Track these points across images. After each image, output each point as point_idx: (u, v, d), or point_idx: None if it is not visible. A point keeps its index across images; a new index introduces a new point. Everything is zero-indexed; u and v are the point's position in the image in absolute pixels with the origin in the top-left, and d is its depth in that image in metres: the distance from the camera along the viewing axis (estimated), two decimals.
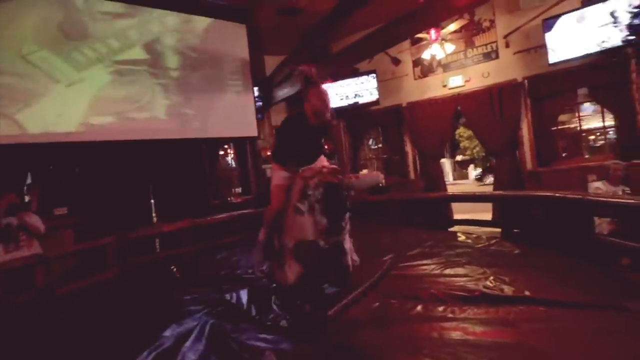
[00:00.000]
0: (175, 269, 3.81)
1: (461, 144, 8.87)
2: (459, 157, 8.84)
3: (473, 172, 7.53)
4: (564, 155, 5.26)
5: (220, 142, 6.62)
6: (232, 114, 5.77)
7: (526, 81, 5.31)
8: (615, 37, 4.31)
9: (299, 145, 2.48)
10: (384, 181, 2.35)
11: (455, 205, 5.41)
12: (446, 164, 7.88)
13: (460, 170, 9.45)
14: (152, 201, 5.26)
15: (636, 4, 4.16)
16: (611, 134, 5.18)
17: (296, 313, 2.34)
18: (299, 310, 2.36)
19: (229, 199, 6.21)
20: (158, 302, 2.83)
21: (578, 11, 4.54)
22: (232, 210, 5.50)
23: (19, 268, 3.01)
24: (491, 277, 2.51)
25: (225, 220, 4.91)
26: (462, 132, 7.51)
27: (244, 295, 2.66)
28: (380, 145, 7.39)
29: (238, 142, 6.48)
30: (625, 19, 4.25)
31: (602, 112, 5.07)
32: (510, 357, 1.64)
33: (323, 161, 2.59)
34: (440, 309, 2.20)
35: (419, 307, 2.26)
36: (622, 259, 2.67)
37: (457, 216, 5.03)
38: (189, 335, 2.10)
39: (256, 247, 2.73)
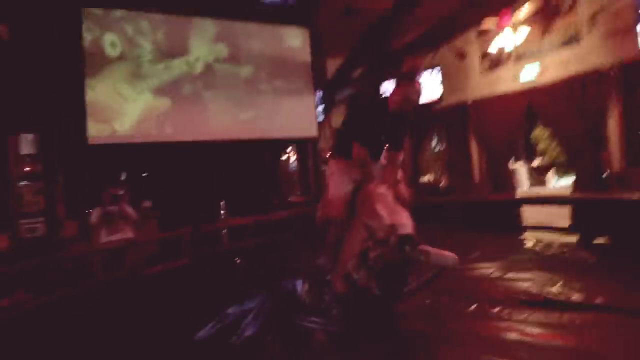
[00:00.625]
0: (239, 260, 4.16)
1: (539, 146, 8.02)
2: (535, 162, 8.05)
3: (553, 179, 6.76)
4: None
5: (282, 144, 6.96)
6: (294, 115, 6.05)
7: (616, 69, 4.67)
8: None
9: (376, 130, 2.37)
10: (457, 265, 2.17)
11: (527, 213, 4.95)
12: (520, 170, 7.21)
13: (538, 177, 8.53)
14: (222, 199, 5.74)
15: None
16: None
17: (346, 305, 2.40)
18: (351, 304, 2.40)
19: (289, 199, 6.50)
20: (224, 285, 3.13)
21: None
22: (292, 208, 5.78)
23: (116, 248, 3.56)
24: (559, 284, 2.32)
25: (284, 218, 5.19)
26: (539, 133, 6.82)
27: (299, 284, 2.82)
28: (443, 146, 7.10)
29: (299, 144, 6.74)
30: None
31: None
32: (564, 357, 1.53)
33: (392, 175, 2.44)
34: (496, 309, 2.11)
35: (472, 307, 2.19)
36: None
37: (529, 219, 4.63)
38: (248, 313, 2.31)
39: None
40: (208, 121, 5.43)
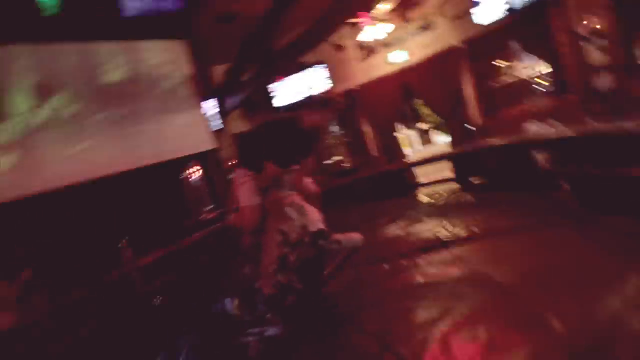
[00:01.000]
0: (159, 299, 3.81)
1: (422, 113, 9.27)
2: (422, 126, 9.22)
3: (437, 136, 7.91)
4: (510, 104, 5.56)
5: (180, 162, 6.55)
6: (185, 131, 5.73)
7: (464, 45, 5.59)
8: None
9: (288, 146, 2.44)
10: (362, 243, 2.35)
11: (420, 172, 5.64)
12: (412, 134, 8.17)
13: (426, 137, 9.91)
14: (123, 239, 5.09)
15: None
16: (548, 78, 5.50)
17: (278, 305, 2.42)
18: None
19: (202, 216, 6.19)
20: (147, 334, 2.85)
21: None
22: (206, 226, 5.49)
23: None
24: (447, 226, 2.69)
25: (200, 239, 4.93)
26: (419, 102, 7.85)
27: (228, 303, 2.73)
28: (341, 130, 7.52)
29: (200, 158, 6.45)
30: None
31: (538, 60, 5.40)
32: (457, 286, 1.81)
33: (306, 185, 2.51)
34: (405, 262, 2.36)
35: (386, 267, 2.41)
36: (562, 185, 2.89)
37: (421, 178, 5.25)
38: (180, 353, 2.17)
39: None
40: (88, 160, 4.79)
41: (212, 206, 6.54)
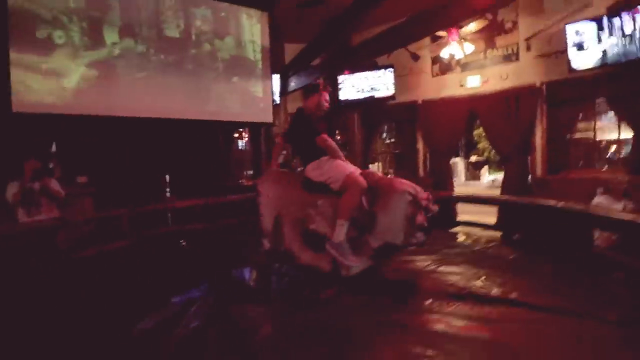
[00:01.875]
0: (184, 243, 4.04)
1: (479, 145, 8.83)
2: (473, 158, 8.76)
3: (486, 174, 7.51)
4: (579, 164, 5.21)
5: (236, 125, 6.76)
6: (249, 99, 5.90)
7: (544, 86, 5.25)
8: (638, 48, 4.23)
9: (302, 136, 2.79)
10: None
11: (461, 207, 5.46)
12: (459, 163, 7.84)
13: (474, 171, 9.34)
14: (167, 177, 5.45)
15: None
16: (627, 147, 5.09)
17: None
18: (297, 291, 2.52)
19: (240, 181, 6.38)
20: (167, 271, 3.04)
21: (603, 18, 4.44)
22: (243, 192, 5.68)
23: (42, 229, 3.25)
24: (483, 278, 2.61)
25: (235, 201, 5.09)
26: (480, 132, 7.45)
27: (247, 272, 2.84)
28: (393, 140, 7.42)
29: (253, 126, 6.61)
30: None
31: (619, 124, 5.00)
32: (484, 350, 1.76)
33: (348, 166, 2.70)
34: (427, 302, 2.32)
35: (407, 300, 2.38)
36: (616, 272, 2.72)
37: (462, 217, 5.10)
38: (193, 303, 2.29)
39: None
40: (156, 98, 5.09)
41: (252, 173, 6.74)
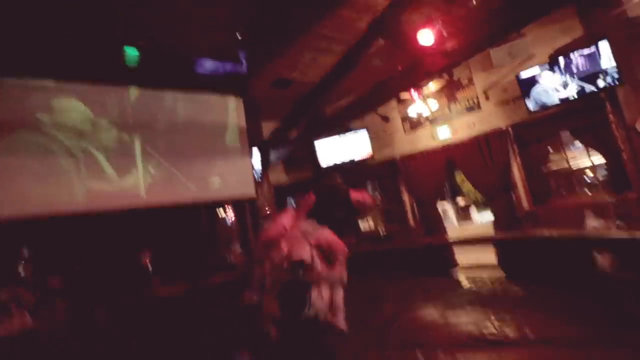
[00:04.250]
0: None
1: (463, 189, 9.05)
2: (461, 202, 8.90)
3: (475, 214, 7.62)
4: (561, 193, 5.30)
5: (219, 204, 6.73)
6: (230, 177, 5.96)
7: (510, 128, 5.57)
8: (586, 84, 4.62)
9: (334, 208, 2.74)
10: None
11: (459, 252, 5.34)
12: (449, 209, 7.90)
13: (463, 213, 9.47)
14: (150, 268, 5.15)
15: (597, 53, 4.52)
16: (601, 170, 5.25)
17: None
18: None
19: (228, 260, 6.14)
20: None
21: (546, 65, 4.92)
22: (232, 270, 5.42)
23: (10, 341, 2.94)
24: (494, 320, 2.43)
25: (223, 282, 4.83)
26: (463, 177, 7.72)
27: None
28: (379, 197, 7.47)
29: (237, 203, 6.59)
30: (592, 67, 4.58)
31: (588, 151, 5.21)
32: None
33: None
34: (443, 356, 2.11)
35: (420, 357, 2.16)
36: (625, 291, 2.58)
37: (461, 258, 4.93)
38: None
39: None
40: (130, 189, 5.08)
41: (240, 251, 6.51)
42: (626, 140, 4.48)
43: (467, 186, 6.82)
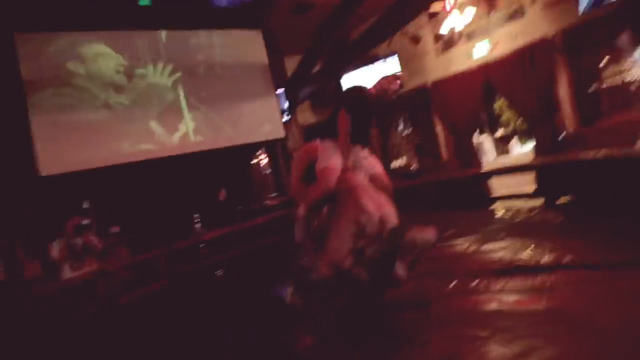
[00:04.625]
0: (220, 272, 4.06)
1: (503, 117, 8.39)
2: (499, 133, 8.29)
3: (517, 146, 7.09)
4: (614, 111, 4.77)
5: (251, 148, 6.85)
6: (257, 118, 5.97)
7: (559, 36, 4.90)
8: None
9: (360, 120, 2.38)
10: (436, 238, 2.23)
11: (496, 184, 5.14)
12: (486, 141, 7.45)
13: (503, 146, 8.86)
14: (195, 213, 5.55)
15: None
16: None
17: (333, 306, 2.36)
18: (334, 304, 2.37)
19: (265, 202, 6.41)
20: (207, 307, 3.03)
21: None
22: (270, 211, 5.69)
23: (85, 282, 3.38)
24: (530, 248, 2.40)
25: (263, 223, 5.12)
26: (501, 103, 7.09)
27: (284, 290, 2.76)
28: (410, 130, 7.20)
29: (269, 146, 6.66)
30: None
31: None
32: (540, 323, 1.58)
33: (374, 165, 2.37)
34: (474, 283, 2.16)
35: (452, 284, 2.23)
36: None
37: (498, 188, 4.79)
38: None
39: (297, 223, 2.53)
40: (169, 137, 5.27)
41: (276, 194, 6.76)
42: None
43: (507, 114, 6.31)
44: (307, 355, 1.91)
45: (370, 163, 2.32)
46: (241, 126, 5.81)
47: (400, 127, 7.18)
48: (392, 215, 2.13)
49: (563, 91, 4.96)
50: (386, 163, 6.67)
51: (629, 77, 4.80)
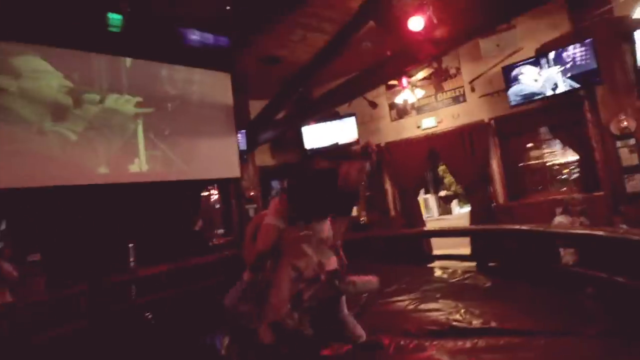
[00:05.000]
0: (150, 315, 3.75)
1: (445, 180, 9.22)
2: (442, 193, 9.05)
3: (457, 207, 7.78)
4: (536, 189, 5.52)
5: (203, 183, 6.71)
6: (215, 156, 5.94)
7: (492, 122, 5.70)
8: (568, 81, 4.74)
9: (321, 201, 2.31)
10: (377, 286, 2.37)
11: (437, 241, 5.56)
12: (430, 200, 8.08)
13: (445, 205, 9.63)
14: (131, 245, 5.11)
15: (582, 51, 4.61)
16: (576, 168, 5.48)
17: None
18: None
19: (211, 240, 6.19)
20: (133, 348, 2.78)
21: (533, 59, 5.00)
22: (214, 251, 5.48)
23: None
24: (462, 311, 2.59)
25: (206, 263, 4.90)
26: (445, 168, 7.85)
27: (219, 339, 2.63)
28: (363, 184, 7.54)
29: (222, 183, 6.59)
30: (575, 64, 4.68)
31: (564, 149, 5.42)
32: None
33: (325, 231, 2.36)
34: (412, 344, 2.25)
35: (391, 343, 2.30)
36: (586, 287, 2.78)
37: (439, 251, 5.15)
38: None
39: (236, 286, 2.52)
40: (117, 165, 5.01)
41: (223, 231, 6.56)
42: (600, 141, 4.66)
43: (449, 178, 6.98)
44: None
45: (322, 228, 2.32)
46: (198, 162, 5.73)
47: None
48: (332, 261, 2.20)
49: (495, 168, 5.66)
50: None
51: (547, 161, 5.65)
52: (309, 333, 2.14)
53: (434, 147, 6.23)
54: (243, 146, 6.51)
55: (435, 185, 9.95)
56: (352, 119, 6.89)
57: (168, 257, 4.78)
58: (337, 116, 7.00)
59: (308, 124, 6.99)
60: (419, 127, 6.45)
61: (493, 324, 2.28)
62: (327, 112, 6.79)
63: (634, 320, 2.13)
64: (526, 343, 2.02)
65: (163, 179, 5.38)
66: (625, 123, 4.42)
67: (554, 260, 3.10)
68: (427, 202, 7.99)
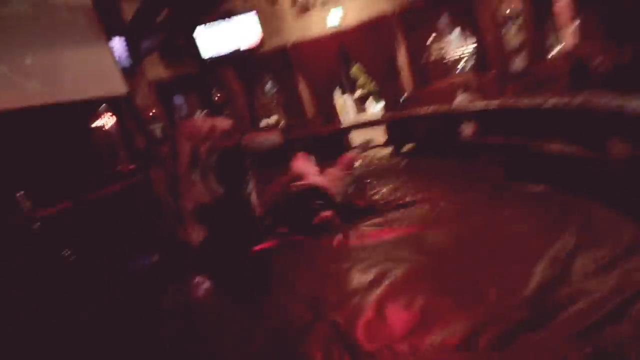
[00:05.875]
0: (69, 252, 3.37)
1: (359, 80, 9.32)
2: (357, 93, 9.23)
3: (372, 105, 8.10)
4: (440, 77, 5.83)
5: (88, 107, 5.63)
6: (86, 71, 4.81)
7: (397, 14, 5.60)
8: None
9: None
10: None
11: (356, 136, 5.81)
12: (347, 100, 8.18)
13: (361, 105, 9.98)
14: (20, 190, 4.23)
15: None
16: (473, 54, 5.82)
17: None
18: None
19: (117, 168, 5.49)
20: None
21: None
22: (123, 180, 4.89)
23: None
24: (380, 189, 2.75)
25: (114, 192, 4.39)
26: (356, 69, 7.85)
27: (147, 260, 2.51)
28: (276, 89, 7.18)
29: (111, 104, 5.60)
30: None
31: (465, 38, 5.66)
32: (399, 248, 1.85)
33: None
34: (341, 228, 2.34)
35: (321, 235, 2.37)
36: (480, 154, 3.15)
37: (356, 141, 5.42)
38: None
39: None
40: None
41: (128, 158, 5.83)
42: (489, 25, 4.93)
43: (362, 77, 6.99)
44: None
45: None
46: (63, 81, 4.60)
47: (267, 86, 7.08)
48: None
49: (402, 61, 5.77)
50: (254, 122, 6.57)
51: (447, 52, 5.90)
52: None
53: (344, 44, 6.00)
54: (126, 58, 5.44)
55: (351, 86, 10.00)
56: (253, 16, 6.09)
57: (68, 194, 4.13)
58: (234, 12, 6.13)
59: (199, 24, 6.00)
60: (324, 22, 6.01)
61: (407, 195, 2.48)
62: (222, 10, 5.90)
63: (518, 173, 2.49)
64: (439, 205, 2.23)
65: (15, 105, 4.23)
66: (512, 5, 4.66)
67: (456, 135, 3.41)
68: (345, 103, 8.00)
